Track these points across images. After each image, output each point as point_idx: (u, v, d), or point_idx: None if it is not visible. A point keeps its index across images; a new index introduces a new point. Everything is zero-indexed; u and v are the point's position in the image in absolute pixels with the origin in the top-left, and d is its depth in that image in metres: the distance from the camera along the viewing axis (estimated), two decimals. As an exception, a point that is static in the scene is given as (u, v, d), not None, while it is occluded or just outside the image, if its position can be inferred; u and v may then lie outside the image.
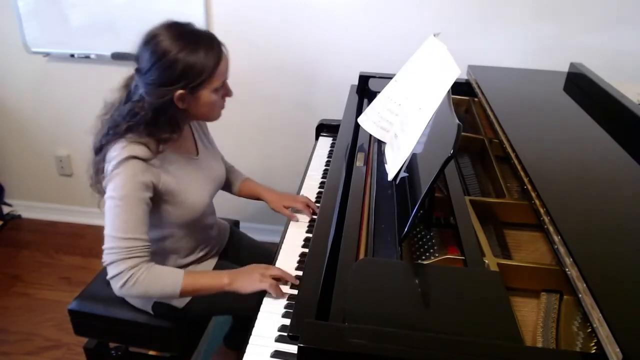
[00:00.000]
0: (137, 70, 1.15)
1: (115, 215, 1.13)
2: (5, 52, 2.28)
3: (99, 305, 1.43)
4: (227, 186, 1.57)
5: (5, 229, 2.60)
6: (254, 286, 1.14)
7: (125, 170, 1.12)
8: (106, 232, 1.14)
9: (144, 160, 1.14)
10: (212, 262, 1.46)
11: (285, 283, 1.16)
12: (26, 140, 2.51)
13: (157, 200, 1.21)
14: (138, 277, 1.13)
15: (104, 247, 1.14)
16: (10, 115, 2.45)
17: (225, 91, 1.22)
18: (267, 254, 1.54)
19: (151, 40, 1.12)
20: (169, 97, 1.12)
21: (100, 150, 1.19)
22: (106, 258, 1.13)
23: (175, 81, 1.11)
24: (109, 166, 1.15)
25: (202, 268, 1.42)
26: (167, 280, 1.17)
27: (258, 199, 1.57)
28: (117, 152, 1.13)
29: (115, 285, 1.14)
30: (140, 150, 1.14)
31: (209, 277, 1.22)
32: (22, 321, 2.02)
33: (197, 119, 1.28)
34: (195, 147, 1.35)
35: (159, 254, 1.32)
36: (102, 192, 1.21)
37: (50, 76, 2.30)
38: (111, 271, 1.13)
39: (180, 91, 1.12)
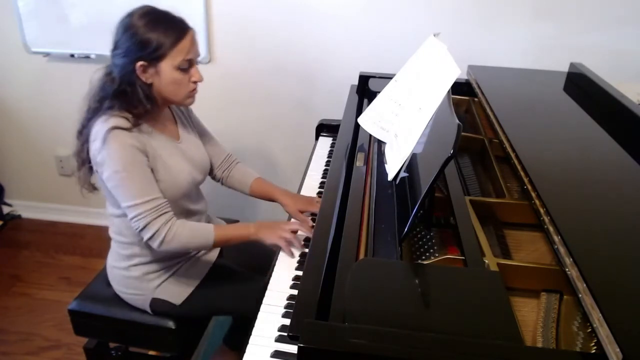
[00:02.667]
0: (112, 48, 1.24)
1: (126, 186, 1.20)
2: (5, 52, 2.28)
3: (99, 305, 1.43)
4: (237, 184, 1.58)
5: (5, 229, 2.60)
6: (274, 239, 1.27)
7: (113, 143, 1.18)
8: (125, 204, 1.20)
9: (126, 129, 1.20)
10: (208, 262, 1.46)
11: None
12: (26, 140, 2.51)
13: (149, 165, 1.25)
14: (175, 232, 1.22)
15: (130, 217, 1.21)
16: (10, 115, 2.45)
17: (192, 73, 1.27)
18: (267, 253, 1.54)
19: (124, 19, 1.22)
20: (131, 67, 1.20)
21: (81, 133, 1.25)
22: (138, 224, 1.21)
23: (136, 51, 1.19)
24: (95, 144, 1.20)
25: (197, 268, 1.43)
26: (201, 233, 1.27)
27: (272, 200, 1.55)
28: (99, 126, 1.20)
29: (154, 244, 1.23)
30: (121, 121, 1.20)
31: (237, 227, 1.34)
32: (22, 321, 2.02)
33: (167, 99, 1.29)
34: (177, 133, 1.40)
35: (145, 246, 1.33)
36: (85, 181, 1.29)
37: (50, 76, 2.30)
38: (147, 234, 1.21)
39: (140, 62, 1.20)
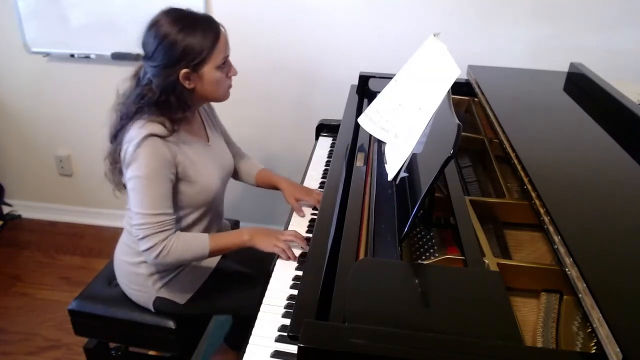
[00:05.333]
0: (144, 57, 1.22)
1: (143, 194, 1.20)
2: (5, 52, 2.28)
3: (99, 305, 1.43)
4: (245, 176, 1.61)
5: (5, 229, 2.60)
6: (269, 247, 1.26)
7: (146, 149, 1.18)
8: (135, 210, 1.21)
9: (162, 137, 1.20)
10: (212, 262, 1.46)
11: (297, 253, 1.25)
12: (26, 140, 2.51)
13: (174, 178, 1.25)
14: (170, 247, 1.22)
15: (133, 223, 1.21)
16: (10, 115, 2.45)
17: (229, 69, 1.28)
18: (267, 254, 1.54)
19: (153, 26, 1.19)
20: (174, 76, 1.19)
21: (115, 137, 1.25)
22: (138, 233, 1.21)
23: (178, 60, 1.18)
24: (129, 146, 1.20)
25: (200, 269, 1.43)
26: (195, 245, 1.27)
27: (274, 187, 1.59)
28: (135, 131, 1.20)
29: (149, 257, 1.23)
30: (158, 128, 1.20)
31: (231, 236, 1.32)
32: (22, 321, 2.02)
33: (206, 99, 1.31)
34: (206, 134, 1.41)
35: None
36: (118, 182, 1.29)
37: (50, 76, 2.30)
38: (144, 245, 1.21)
39: (184, 70, 1.19)
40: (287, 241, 1.26)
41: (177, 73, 1.19)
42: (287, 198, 1.50)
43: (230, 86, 1.32)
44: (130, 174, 1.21)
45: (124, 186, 1.32)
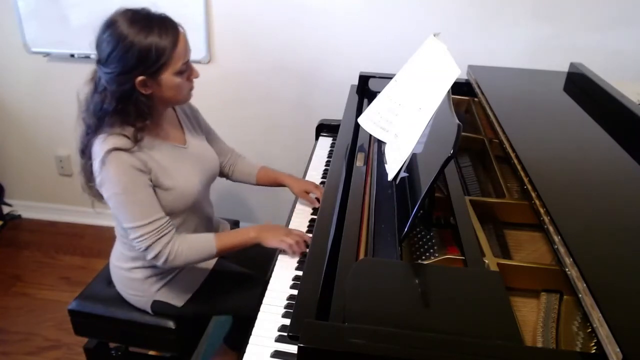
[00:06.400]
0: (98, 61, 1.15)
1: (127, 209, 1.17)
2: (5, 52, 2.28)
3: (99, 305, 1.43)
4: (243, 176, 1.60)
5: (5, 229, 2.60)
6: (275, 243, 1.25)
7: (112, 165, 1.14)
8: (127, 225, 1.18)
9: (125, 150, 1.15)
10: (210, 264, 1.46)
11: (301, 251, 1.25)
12: (26, 140, 2.51)
13: (151, 183, 1.23)
14: (176, 251, 1.21)
15: (131, 238, 1.19)
16: (10, 115, 2.45)
17: (190, 72, 1.21)
18: (267, 253, 1.53)
19: (109, 27, 1.12)
20: (129, 84, 1.13)
21: (84, 152, 1.22)
22: (140, 245, 1.20)
23: (135, 67, 1.11)
24: (95, 164, 1.17)
25: (198, 270, 1.43)
26: (202, 246, 1.26)
27: (278, 185, 1.59)
28: (98, 146, 1.16)
29: (158, 263, 1.22)
30: (120, 141, 1.15)
31: (237, 234, 1.31)
32: (22, 321, 2.02)
33: (167, 103, 1.25)
34: (183, 137, 1.36)
35: None
36: (95, 194, 1.25)
37: (50, 76, 2.30)
38: (150, 254, 1.21)
39: (140, 77, 1.12)
40: (294, 238, 1.26)
41: (133, 80, 1.12)
42: (297, 192, 1.50)
43: (191, 88, 1.25)
44: (107, 194, 1.18)
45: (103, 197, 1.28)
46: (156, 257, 1.21)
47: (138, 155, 1.18)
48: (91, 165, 1.20)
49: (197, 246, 1.26)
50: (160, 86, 1.17)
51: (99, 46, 1.14)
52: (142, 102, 1.16)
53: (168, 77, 1.16)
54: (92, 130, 1.18)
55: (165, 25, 1.13)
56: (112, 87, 1.13)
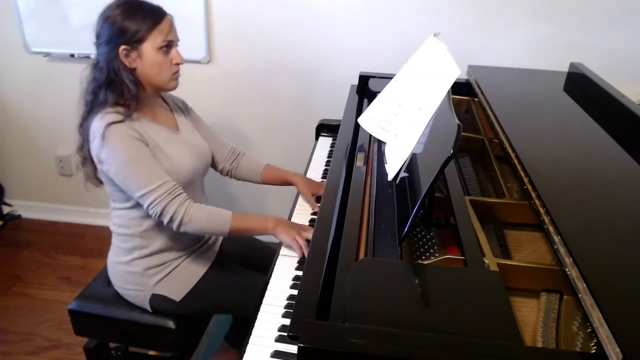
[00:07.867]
0: (94, 43, 1.28)
1: (135, 176, 1.23)
2: (5, 52, 2.28)
3: (99, 305, 1.43)
4: (247, 174, 1.61)
5: (5, 229, 2.60)
6: (289, 240, 1.26)
7: (113, 137, 1.21)
8: (138, 194, 1.23)
9: (121, 121, 1.23)
10: (209, 259, 1.46)
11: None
12: (26, 140, 2.51)
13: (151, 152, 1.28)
14: (192, 215, 1.25)
15: (145, 205, 1.23)
16: (10, 115, 2.45)
17: (173, 56, 1.30)
18: (267, 252, 1.54)
19: (103, 11, 1.26)
20: (114, 53, 1.24)
21: (82, 126, 1.29)
22: (155, 210, 1.23)
23: (117, 37, 1.23)
24: (95, 143, 1.23)
25: (197, 265, 1.43)
26: (218, 219, 1.29)
27: (286, 184, 1.59)
28: (96, 124, 1.23)
29: (173, 225, 1.26)
30: (115, 116, 1.23)
31: (255, 219, 1.33)
32: (22, 321, 2.02)
33: (152, 82, 1.31)
34: (176, 124, 1.42)
35: (146, 238, 1.35)
36: (90, 175, 1.33)
37: (50, 76, 2.30)
38: (165, 217, 1.24)
39: (123, 46, 1.23)
40: (308, 239, 1.25)
41: (117, 50, 1.23)
42: (304, 193, 1.51)
43: (176, 73, 1.32)
44: (115, 168, 1.23)
45: (99, 181, 1.35)
46: (171, 219, 1.24)
47: (135, 127, 1.25)
48: (88, 146, 1.27)
49: (214, 217, 1.28)
50: (142, 59, 1.26)
51: (95, 28, 1.27)
52: (127, 73, 1.25)
53: (149, 51, 1.25)
54: (89, 105, 1.27)
55: (151, 8, 1.26)
56: (102, 58, 1.25)
